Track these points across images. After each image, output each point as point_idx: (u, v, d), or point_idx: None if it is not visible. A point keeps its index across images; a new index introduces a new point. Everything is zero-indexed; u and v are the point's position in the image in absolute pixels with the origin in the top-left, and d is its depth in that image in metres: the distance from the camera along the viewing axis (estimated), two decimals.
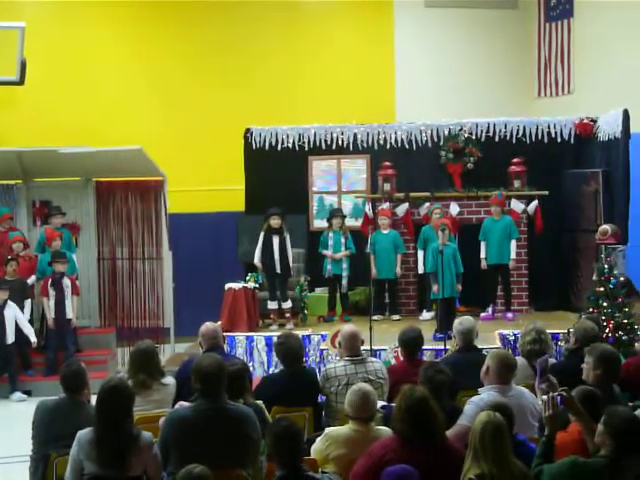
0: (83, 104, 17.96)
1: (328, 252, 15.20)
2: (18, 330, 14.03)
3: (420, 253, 15.00)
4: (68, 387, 7.33)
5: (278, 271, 14.39)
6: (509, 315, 14.65)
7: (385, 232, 15.13)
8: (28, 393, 13.90)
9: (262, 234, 14.47)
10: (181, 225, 16.84)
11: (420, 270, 15.06)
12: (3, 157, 15.71)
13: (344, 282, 15.17)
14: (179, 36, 18.59)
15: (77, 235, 16.05)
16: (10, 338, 13.87)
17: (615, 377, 7.46)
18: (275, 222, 14.38)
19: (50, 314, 14.32)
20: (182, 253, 16.45)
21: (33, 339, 14.01)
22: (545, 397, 6.32)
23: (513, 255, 14.79)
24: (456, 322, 9.23)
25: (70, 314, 14.43)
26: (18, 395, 13.80)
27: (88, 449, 6.16)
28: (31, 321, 14.50)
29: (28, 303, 14.43)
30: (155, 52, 18.53)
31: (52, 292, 14.31)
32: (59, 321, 14.32)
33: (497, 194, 14.97)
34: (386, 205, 15.60)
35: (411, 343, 9.07)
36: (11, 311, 13.88)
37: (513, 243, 14.80)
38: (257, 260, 14.62)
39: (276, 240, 14.43)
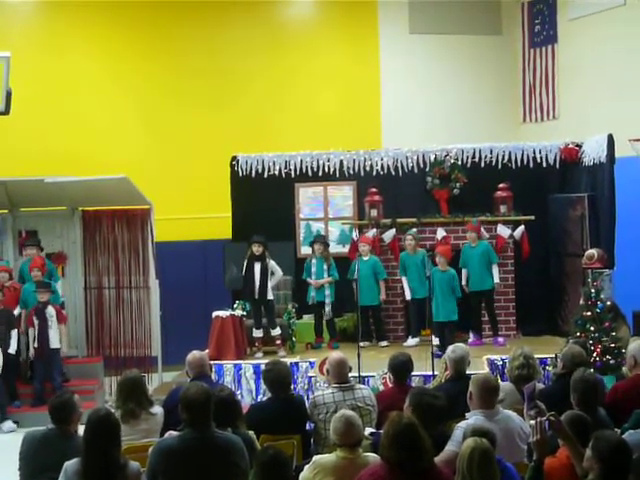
0: (69, 133, 18.00)
1: (311, 280, 15.20)
2: (4, 361, 13.98)
3: (403, 279, 15.08)
4: (56, 418, 7.29)
5: (256, 297, 14.38)
6: (500, 340, 14.64)
7: (365, 258, 15.13)
8: (17, 424, 13.81)
9: (245, 261, 14.49)
10: (168, 253, 16.82)
11: (407, 297, 15.10)
12: None
13: (327, 309, 15.15)
14: (164, 64, 18.65)
15: (64, 265, 15.99)
16: None
17: (593, 401, 7.45)
18: (257, 249, 14.39)
19: (33, 344, 14.26)
20: (169, 281, 16.42)
21: None
22: (533, 422, 6.31)
23: (496, 279, 14.81)
24: (449, 350, 9.20)
25: (56, 344, 14.34)
26: (9, 425, 13.70)
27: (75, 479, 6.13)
28: (18, 352, 14.43)
29: (15, 333, 14.35)
30: (141, 81, 18.59)
31: (36, 322, 14.26)
32: (43, 350, 14.24)
33: (472, 220, 15.03)
34: (372, 231, 15.62)
35: (401, 368, 9.07)
36: None
37: (494, 267, 14.82)
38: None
39: (257, 267, 14.42)
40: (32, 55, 18.00)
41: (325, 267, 15.20)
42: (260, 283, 14.39)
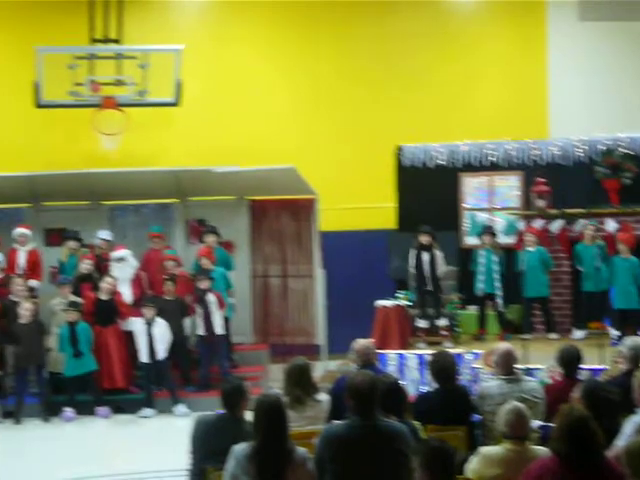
0: (237, 123, 18.29)
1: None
2: (174, 346, 14.33)
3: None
4: (227, 403, 7.38)
5: (429, 288, 14.32)
6: None
7: (531, 249, 14.88)
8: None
9: (413, 251, 14.45)
10: (332, 243, 16.90)
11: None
12: (160, 177, 16.14)
13: (498, 300, 14.99)
14: (330, 55, 18.76)
15: (232, 253, 16.27)
16: (161, 354, 14.14)
17: None
18: (425, 239, 14.34)
19: (200, 330, 14.57)
20: (333, 271, 16.50)
21: (161, 356, 14.21)
22: None
23: None
24: (626, 342, 8.92)
25: (218, 330, 14.62)
26: (182, 409, 14.05)
27: (244, 464, 6.20)
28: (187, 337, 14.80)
29: (188, 321, 14.70)
30: (307, 74, 18.75)
31: (199, 309, 14.56)
32: (208, 337, 14.55)
33: None
34: (539, 222, 15.37)
35: (571, 361, 8.88)
36: (160, 328, 14.17)
37: None
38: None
39: (426, 257, 14.39)
40: (203, 48, 18.37)
41: (494, 258, 15.04)
42: (430, 273, 14.36)
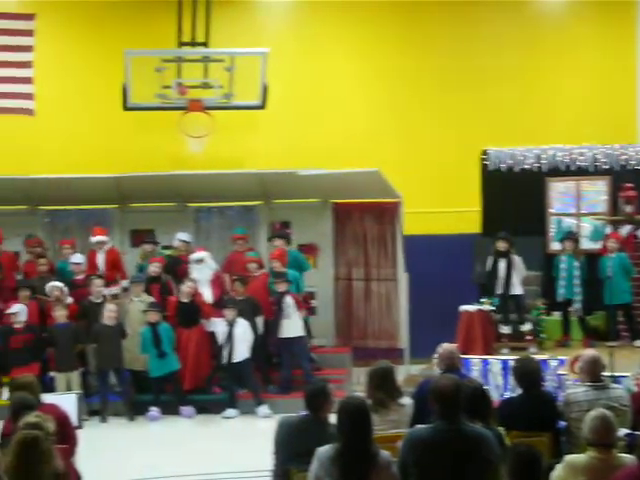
0: (321, 125, 18.34)
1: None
2: (256, 347, 14.41)
3: None
4: (311, 405, 7.40)
5: (502, 292, 14.25)
6: None
7: (612, 255, 14.64)
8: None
9: (490, 257, 14.38)
10: (415, 246, 16.82)
11: None
12: (245, 179, 16.27)
13: (577, 306, 14.81)
14: (417, 56, 18.71)
15: (315, 256, 16.32)
16: (242, 355, 14.22)
17: None
18: (501, 245, 14.27)
19: (279, 332, 14.61)
20: (416, 274, 16.43)
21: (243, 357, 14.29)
22: None
23: None
24: None
25: (296, 332, 14.64)
26: (264, 410, 14.13)
27: (328, 466, 6.22)
28: (264, 338, 14.86)
29: (260, 320, 14.78)
30: (393, 77, 18.72)
31: (277, 311, 14.59)
32: (283, 339, 14.59)
33: None
34: (626, 228, 15.15)
35: None
36: (241, 328, 14.25)
37: None
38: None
39: (502, 263, 14.32)
40: (288, 49, 18.43)
41: (575, 264, 14.86)
42: (505, 279, 14.25)
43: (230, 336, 14.15)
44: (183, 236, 15.86)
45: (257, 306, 14.83)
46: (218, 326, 14.47)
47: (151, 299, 14.75)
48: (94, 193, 16.38)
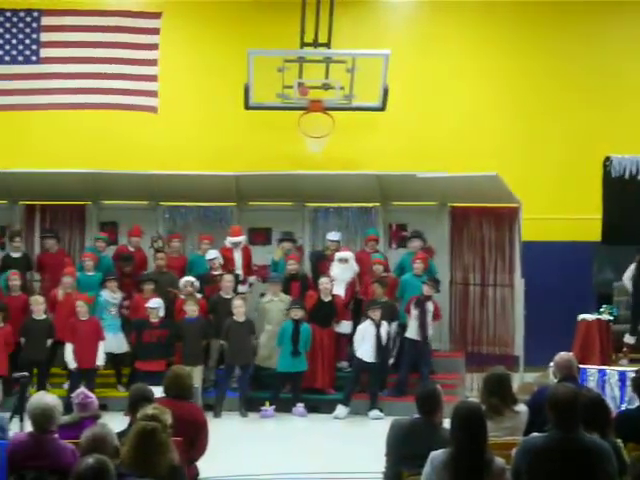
0: (440, 128, 18.25)
1: None
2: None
3: None
4: (423, 408, 7.38)
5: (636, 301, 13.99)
6: None
7: None
8: (381, 411, 14.24)
9: (633, 265, 14.15)
10: (533, 253, 16.61)
11: None
12: (362, 180, 16.30)
13: None
14: (540, 57, 18.49)
15: (431, 259, 16.25)
16: (375, 356, 14.26)
17: None
18: None
19: (412, 334, 14.62)
20: (533, 281, 16.20)
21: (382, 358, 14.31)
22: None
23: None
24: None
25: (427, 336, 14.66)
26: (376, 413, 14.15)
27: (441, 471, 6.17)
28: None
29: (395, 325, 14.80)
30: (514, 79, 18.53)
31: (414, 312, 14.58)
32: (420, 343, 14.59)
33: None
34: None
35: None
36: (384, 330, 14.29)
37: None
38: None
39: None
40: (408, 50, 18.38)
41: None
42: None
43: (371, 336, 14.19)
44: (334, 236, 15.92)
45: (395, 311, 14.87)
46: (346, 328, 14.63)
47: (289, 298, 14.86)
48: (213, 191, 16.61)
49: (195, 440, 8.21)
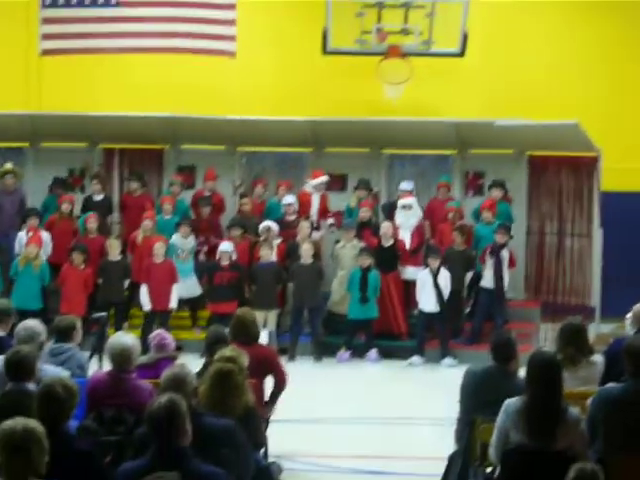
0: (520, 75, 17.91)
1: None
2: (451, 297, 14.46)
3: None
4: (498, 356, 7.37)
5: None
6: None
7: None
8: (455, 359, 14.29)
9: None
10: (612, 203, 16.36)
11: None
12: (440, 127, 16.23)
13: None
14: (621, 9, 17.97)
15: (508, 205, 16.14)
16: (437, 305, 14.28)
17: None
18: None
19: (487, 283, 14.59)
20: (611, 232, 16.00)
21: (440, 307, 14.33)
22: None
23: None
24: None
25: (506, 286, 14.63)
26: (449, 361, 14.20)
27: (515, 418, 6.17)
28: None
29: (470, 275, 14.82)
30: (596, 24, 18.07)
31: (490, 260, 14.53)
32: (495, 292, 14.54)
33: None
34: None
35: None
36: (443, 279, 14.26)
37: None
38: None
39: None
40: None
41: None
42: None
43: (430, 285, 14.19)
44: (406, 185, 15.87)
45: (471, 260, 14.83)
46: (416, 274, 14.56)
47: (362, 244, 14.89)
48: (290, 136, 16.63)
49: (273, 375, 8.47)
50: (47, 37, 17.25)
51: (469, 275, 14.77)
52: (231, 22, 17.03)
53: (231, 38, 17.08)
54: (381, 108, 17.34)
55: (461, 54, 16.80)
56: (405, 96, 17.23)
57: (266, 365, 8.40)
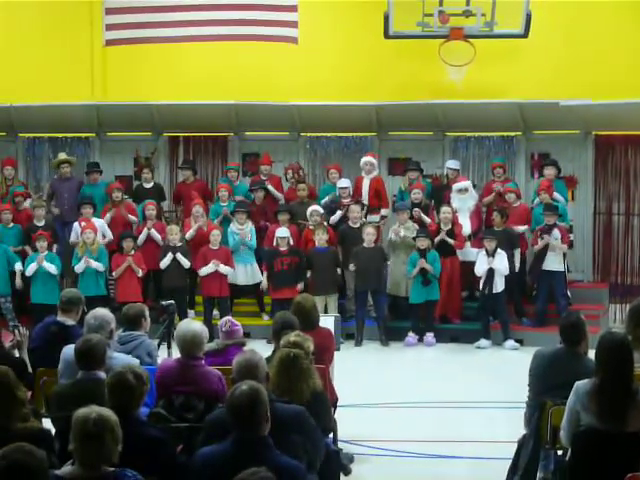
0: (584, 56, 17.57)
1: None
2: (512, 279, 14.35)
3: None
4: (567, 338, 7.32)
5: None
6: None
7: None
8: (520, 342, 14.17)
9: None
10: None
11: None
12: (504, 109, 16.15)
13: None
14: None
15: (574, 188, 15.98)
16: (499, 286, 14.18)
17: None
18: None
19: (545, 265, 14.47)
20: None
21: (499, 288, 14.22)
22: None
23: None
24: None
25: (559, 266, 14.47)
26: (510, 343, 14.12)
27: (586, 400, 6.14)
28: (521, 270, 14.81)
29: (517, 253, 14.67)
30: None
31: (542, 242, 14.42)
32: (545, 271, 14.45)
33: None
34: None
35: None
36: (500, 260, 14.16)
37: None
38: None
39: None
40: None
41: None
42: None
43: (489, 267, 14.11)
44: (452, 163, 15.83)
45: (515, 238, 14.70)
46: (475, 256, 14.47)
47: (416, 226, 14.84)
48: (353, 121, 16.64)
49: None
50: (110, 28, 17.44)
51: (517, 253, 14.61)
52: (293, 8, 17.04)
53: (293, 24, 17.09)
54: (444, 91, 17.20)
55: (525, 35, 16.61)
56: (468, 78, 17.08)
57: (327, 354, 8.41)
